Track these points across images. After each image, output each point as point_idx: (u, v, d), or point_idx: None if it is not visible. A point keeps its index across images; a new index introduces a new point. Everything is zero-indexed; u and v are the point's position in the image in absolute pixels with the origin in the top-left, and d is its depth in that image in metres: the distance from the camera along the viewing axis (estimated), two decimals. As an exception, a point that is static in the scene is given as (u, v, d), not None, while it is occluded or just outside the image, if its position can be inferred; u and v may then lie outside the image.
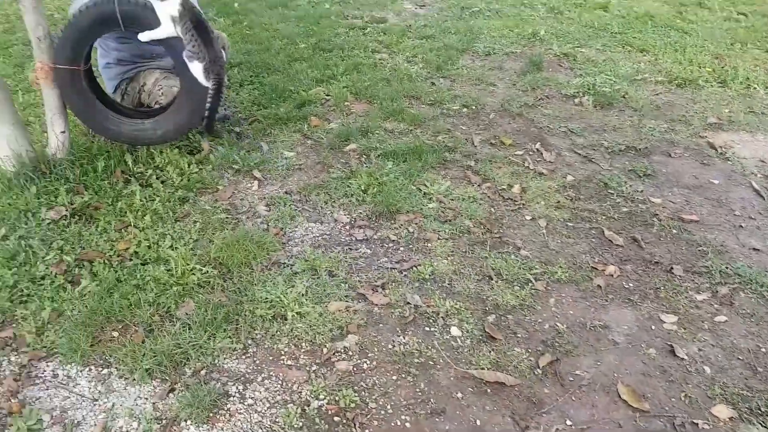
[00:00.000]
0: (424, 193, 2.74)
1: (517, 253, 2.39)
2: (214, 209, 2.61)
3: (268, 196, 2.74)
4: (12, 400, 1.75)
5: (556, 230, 2.56)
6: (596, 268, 2.32)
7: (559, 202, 2.75)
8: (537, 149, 3.20)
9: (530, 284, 2.21)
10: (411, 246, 2.40)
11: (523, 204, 2.72)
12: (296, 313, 2.01)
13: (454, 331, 1.96)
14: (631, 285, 2.25)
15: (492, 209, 2.67)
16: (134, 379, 1.80)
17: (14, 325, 2.01)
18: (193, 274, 2.19)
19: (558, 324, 2.03)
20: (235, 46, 4.75)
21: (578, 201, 2.79)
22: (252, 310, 2.02)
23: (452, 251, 2.36)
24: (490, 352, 1.87)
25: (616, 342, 1.98)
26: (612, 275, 2.28)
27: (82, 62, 2.63)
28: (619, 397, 1.75)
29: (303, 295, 2.08)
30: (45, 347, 1.92)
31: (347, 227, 2.52)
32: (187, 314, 2.02)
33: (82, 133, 3.23)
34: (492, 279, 2.22)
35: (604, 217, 2.65)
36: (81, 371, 1.85)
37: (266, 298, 2.07)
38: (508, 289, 2.18)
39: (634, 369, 1.87)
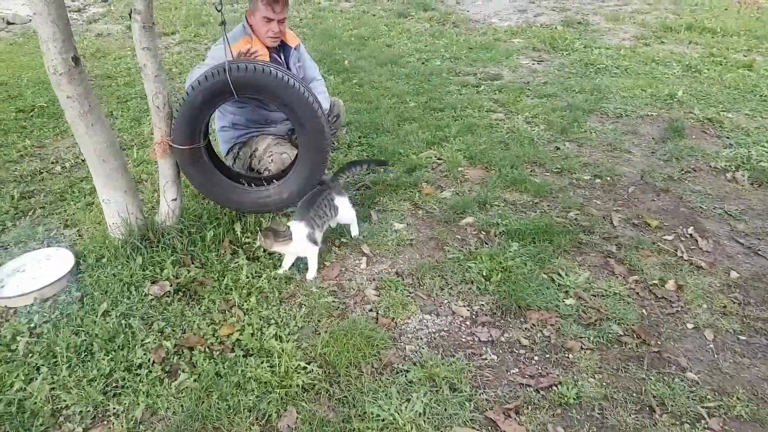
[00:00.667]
0: (559, 285, 2.39)
1: (683, 375, 1.96)
2: (321, 291, 2.43)
3: (377, 277, 2.53)
4: None
5: (726, 345, 2.10)
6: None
7: (725, 306, 2.29)
8: (690, 235, 2.75)
9: (702, 421, 1.78)
10: (548, 355, 2.05)
11: (682, 306, 2.29)
12: (410, 437, 1.73)
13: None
14: None
15: (644, 311, 2.26)
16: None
17: (105, 421, 1.90)
18: (298, 373, 1.98)
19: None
20: (345, 105, 4.75)
21: (748, 306, 2.30)
22: (362, 430, 1.77)
23: (600, 366, 1.98)
24: None
25: None
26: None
27: (200, 138, 2.61)
28: None
29: (421, 414, 1.79)
30: (135, 455, 1.78)
31: (468, 323, 2.23)
32: (289, 427, 1.80)
33: (194, 196, 3.26)
34: (654, 412, 1.80)
35: (785, 331, 2.16)
36: (172, 487, 1.68)
37: (378, 416, 1.80)
38: (676, 426, 1.76)
39: None
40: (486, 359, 2.04)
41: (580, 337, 2.11)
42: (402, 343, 2.14)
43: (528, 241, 2.67)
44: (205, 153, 2.68)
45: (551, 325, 2.18)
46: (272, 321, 2.28)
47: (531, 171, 3.40)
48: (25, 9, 7.48)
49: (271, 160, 3.03)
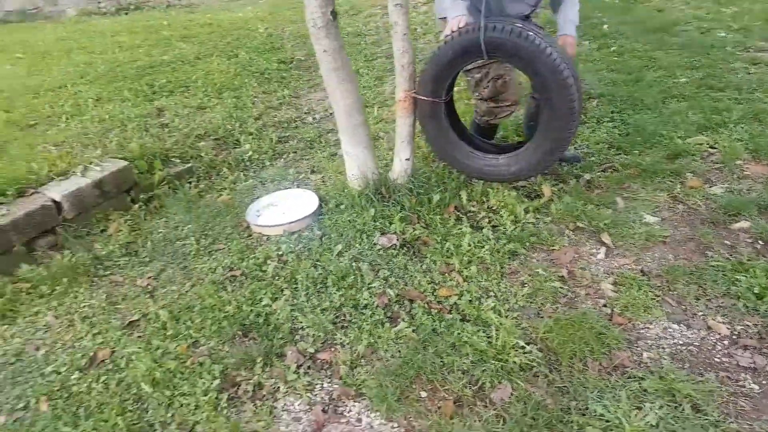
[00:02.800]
0: None
1: None
2: (548, 274, 2.45)
3: (617, 271, 2.44)
4: (317, 433, 1.91)
5: None
6: None
7: None
8: None
9: None
10: (831, 400, 1.78)
11: None
12: (640, 448, 1.67)
13: None
14: None
15: None
16: (436, 458, 1.76)
17: (333, 349, 2.22)
18: (515, 351, 2.05)
19: None
20: (597, 74, 4.56)
21: None
22: (581, 424, 1.77)
23: None
24: None
25: None
26: None
27: (443, 94, 2.79)
28: None
29: (653, 427, 1.72)
30: (355, 385, 2.05)
31: (725, 342, 2.03)
32: (502, 400, 1.89)
33: (424, 157, 3.50)
34: None
35: None
36: (384, 425, 1.90)
37: (602, 416, 1.78)
38: None
39: None
40: (744, 387, 1.85)
41: None
42: (639, 348, 2.05)
43: (825, 260, 2.29)
44: (445, 110, 2.84)
45: (843, 366, 1.87)
46: (491, 293, 2.38)
47: (844, 175, 2.88)
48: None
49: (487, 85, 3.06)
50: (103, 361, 2.31)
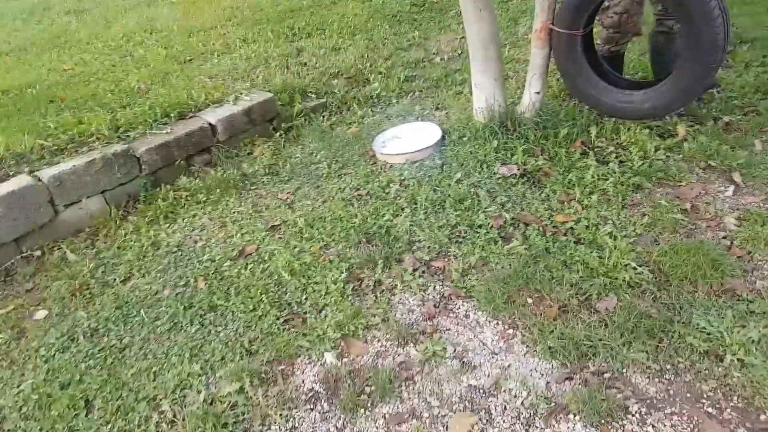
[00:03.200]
0: None
1: None
2: (670, 206, 2.51)
3: (743, 207, 2.45)
4: (428, 322, 2.19)
5: None
6: None
7: None
8: None
9: None
10: None
11: None
12: (738, 359, 1.77)
13: None
14: None
15: None
16: (536, 351, 1.97)
17: (446, 259, 2.47)
18: (626, 270, 2.18)
19: None
20: (753, 18, 4.32)
21: None
22: (683, 334, 1.89)
23: None
24: None
25: None
26: None
27: (581, 27, 2.86)
28: None
29: (754, 342, 1.80)
30: (465, 288, 2.30)
31: None
32: (607, 309, 2.04)
33: (554, 95, 3.59)
34: None
35: None
36: (489, 322, 2.14)
37: (704, 328, 1.89)
38: None
39: None
40: None
41: None
42: (753, 278, 2.10)
43: None
44: (581, 44, 2.91)
45: None
46: (609, 221, 2.49)
47: None
48: None
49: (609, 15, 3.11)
50: (250, 254, 2.76)
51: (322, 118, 4.04)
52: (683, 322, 1.93)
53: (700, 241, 2.25)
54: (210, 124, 3.60)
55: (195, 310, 2.45)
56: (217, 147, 3.63)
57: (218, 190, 3.30)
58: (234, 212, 3.13)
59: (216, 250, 2.84)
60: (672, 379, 1.79)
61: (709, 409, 1.68)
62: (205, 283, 2.61)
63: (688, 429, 1.64)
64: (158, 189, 3.38)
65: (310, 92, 4.30)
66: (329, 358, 2.12)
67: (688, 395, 1.73)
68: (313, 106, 4.12)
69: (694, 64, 2.57)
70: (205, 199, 3.29)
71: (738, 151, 2.80)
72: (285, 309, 2.37)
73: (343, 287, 2.40)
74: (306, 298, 2.40)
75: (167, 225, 3.13)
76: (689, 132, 2.99)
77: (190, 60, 4.96)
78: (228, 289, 2.54)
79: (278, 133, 3.84)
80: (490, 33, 3.10)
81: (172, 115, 3.66)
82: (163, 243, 2.96)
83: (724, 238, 2.30)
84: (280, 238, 2.83)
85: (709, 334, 1.87)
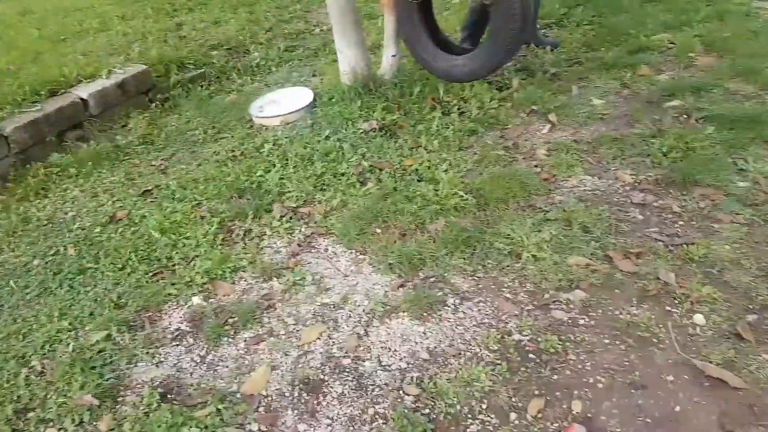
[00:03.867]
0: (740, 169, 2.48)
1: None
2: (495, 145, 2.95)
3: (554, 141, 2.92)
4: (292, 259, 2.51)
5: None
6: None
7: None
8: None
9: None
10: (693, 223, 2.27)
11: None
12: (532, 255, 2.21)
13: (698, 318, 1.85)
14: None
15: (828, 201, 2.26)
16: (379, 269, 2.34)
17: (312, 205, 2.80)
18: (454, 197, 2.59)
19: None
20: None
21: None
22: (491, 241, 2.32)
23: (742, 238, 2.14)
24: (729, 350, 1.73)
25: None
26: None
27: None
28: None
29: (546, 241, 2.26)
30: (326, 227, 2.63)
31: (626, 188, 2.52)
32: (437, 230, 2.44)
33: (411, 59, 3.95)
34: (775, 278, 1.96)
35: None
36: (344, 252, 2.49)
37: (508, 235, 2.32)
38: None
39: None
40: (630, 216, 2.36)
41: (737, 213, 2.26)
42: (554, 195, 2.57)
43: (727, 127, 2.72)
44: (419, 12, 3.28)
45: (711, 200, 2.35)
46: (447, 161, 2.90)
47: (774, 63, 3.24)
48: None
49: None
50: (120, 219, 2.91)
51: (200, 87, 4.22)
52: (493, 232, 2.36)
53: (515, 170, 2.70)
54: (81, 98, 3.70)
55: (64, 275, 2.57)
56: (89, 121, 3.73)
57: (90, 163, 3.40)
58: (106, 182, 3.26)
59: (87, 219, 2.95)
60: (482, 276, 2.21)
61: (508, 295, 2.11)
62: (75, 250, 2.72)
63: (491, 311, 2.06)
64: (28, 167, 3.44)
65: (189, 64, 4.44)
66: (196, 300, 2.36)
67: (493, 287, 2.15)
68: (191, 77, 4.29)
69: (497, 33, 3.00)
70: (76, 173, 3.37)
71: (559, 96, 3.28)
72: (154, 264, 2.56)
73: (213, 239, 2.63)
74: (176, 253, 2.59)
75: (38, 201, 3.20)
76: (522, 84, 3.45)
77: (64, 39, 4.95)
78: (98, 252, 2.67)
79: (154, 104, 3.99)
80: (347, 2, 3.41)
81: (42, 93, 3.71)
82: (33, 218, 3.04)
83: (536, 166, 2.77)
84: (152, 201, 3.01)
85: (512, 239, 2.31)
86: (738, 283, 1.97)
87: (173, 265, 2.55)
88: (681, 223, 2.29)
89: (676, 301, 1.94)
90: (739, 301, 1.91)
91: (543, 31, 4.15)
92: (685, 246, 2.15)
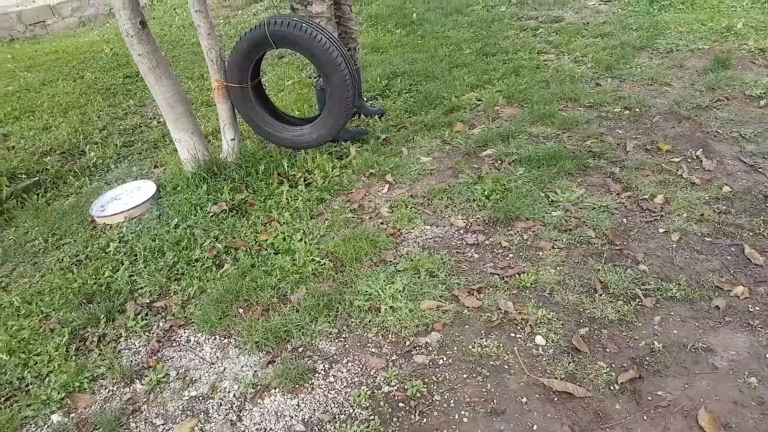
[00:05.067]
0: (551, 201, 2.77)
1: (635, 267, 2.31)
2: (343, 209, 3.02)
3: (393, 199, 3.06)
4: (152, 358, 2.33)
5: (688, 245, 2.41)
6: (721, 288, 2.16)
7: (703, 215, 2.56)
8: (697, 156, 2.97)
9: (637, 300, 2.15)
10: (521, 254, 2.47)
11: (661, 216, 2.58)
12: (389, 306, 2.26)
13: (539, 339, 2.00)
14: (757, 308, 2.06)
15: (624, 221, 2.59)
16: (246, 350, 2.24)
17: (167, 297, 2.64)
18: (312, 264, 2.59)
19: (655, 342, 1.94)
20: (404, 56, 5.25)
21: (726, 215, 2.56)
22: (351, 300, 2.34)
23: (563, 261, 2.38)
24: (569, 363, 1.88)
25: (715, 367, 1.85)
26: (738, 296, 2.10)
27: (248, 80, 3.28)
28: (697, 422, 1.66)
29: (400, 291, 2.33)
30: (185, 317, 2.49)
31: (461, 231, 2.69)
32: (298, 299, 2.41)
33: (252, 137, 3.96)
34: (596, 292, 2.19)
35: (750, 233, 2.43)
36: (208, 339, 2.36)
37: (366, 291, 2.36)
38: (611, 303, 2.14)
39: (726, 396, 1.75)
40: (467, 256, 2.51)
41: (555, 240, 2.50)
42: (402, 247, 2.67)
43: (534, 166, 3.04)
44: (253, 93, 3.33)
45: (532, 231, 2.58)
46: (300, 230, 2.90)
47: (564, 106, 3.71)
48: None
49: None
50: (-40, 347, 2.56)
51: (36, 196, 3.86)
52: (352, 292, 2.39)
53: (364, 229, 2.77)
54: None
55: None
56: None
57: None
58: (-62, 311, 2.85)
59: None
60: (347, 336, 2.21)
61: (373, 350, 2.12)
62: None
63: (359, 369, 2.05)
64: None
65: (20, 174, 4.07)
66: (56, 418, 2.11)
67: (358, 344, 2.16)
68: (25, 187, 3.91)
69: (335, 101, 3.16)
70: None
71: (391, 158, 3.46)
72: (5, 388, 2.27)
73: (66, 350, 2.39)
74: (28, 372, 2.32)
75: None
76: (358, 151, 3.59)
77: None
78: None
79: (-15, 221, 3.58)
80: (174, 95, 3.35)
81: None
82: None
83: (382, 223, 2.86)
84: (-4, 321, 2.68)
85: (369, 294, 2.34)
86: (567, 302, 2.17)
87: (27, 386, 2.27)
88: (511, 255, 2.48)
89: (518, 327, 2.08)
90: (571, 317, 2.10)
91: (369, 102, 4.39)
92: (517, 275, 2.32)
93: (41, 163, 4.25)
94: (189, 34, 7.28)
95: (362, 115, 4.11)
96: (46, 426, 2.08)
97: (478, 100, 4.05)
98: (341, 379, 2.02)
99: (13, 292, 2.87)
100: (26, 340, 2.48)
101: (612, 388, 1.80)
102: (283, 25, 3.02)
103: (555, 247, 2.47)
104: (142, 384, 2.19)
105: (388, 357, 2.07)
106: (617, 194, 2.77)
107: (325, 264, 2.59)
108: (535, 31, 5.17)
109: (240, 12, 8.11)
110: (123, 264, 2.89)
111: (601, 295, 2.18)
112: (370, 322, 2.24)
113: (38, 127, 4.91)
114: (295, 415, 1.90)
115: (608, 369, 1.87)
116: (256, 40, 3.11)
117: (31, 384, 2.27)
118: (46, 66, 6.92)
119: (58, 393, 2.19)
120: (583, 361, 1.90)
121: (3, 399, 2.21)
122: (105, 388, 2.21)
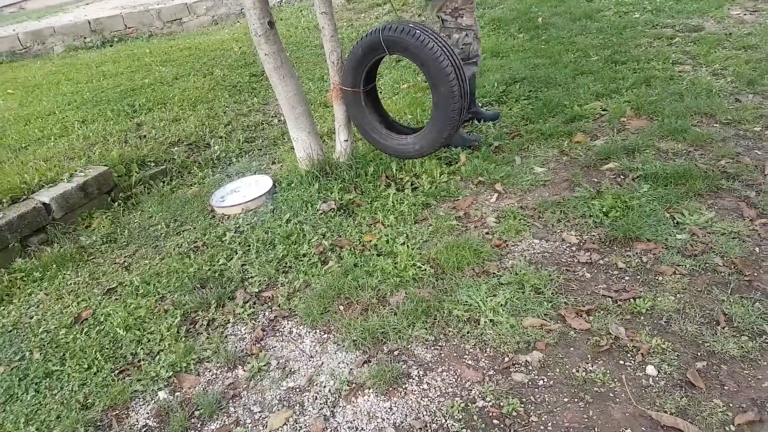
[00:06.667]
0: (677, 223, 2.60)
1: (765, 301, 2.12)
2: (448, 216, 3.03)
3: (501, 208, 3.02)
4: (255, 345, 2.48)
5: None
6: None
7: None
8: None
9: (764, 337, 1.97)
10: (638, 277, 2.35)
11: (805, 248, 2.33)
12: (489, 319, 2.25)
13: (650, 370, 1.89)
14: None
15: (756, 249, 2.37)
16: (344, 347, 2.33)
17: (274, 288, 2.80)
18: (413, 269, 2.63)
19: (786, 388, 1.75)
20: (525, 61, 5.17)
21: None
22: (450, 309, 2.35)
23: (684, 288, 2.22)
24: (682, 398, 1.76)
25: None
26: None
27: (361, 85, 3.39)
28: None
29: (501, 305, 2.30)
30: (290, 309, 2.63)
31: (573, 248, 2.61)
32: (397, 302, 2.46)
33: (364, 141, 4.09)
34: (719, 324, 2.03)
35: None
36: (309, 332, 2.48)
37: (466, 302, 2.36)
38: (734, 338, 1.97)
39: None
40: (578, 275, 2.43)
41: (677, 265, 2.35)
42: (506, 259, 2.63)
43: (661, 184, 2.87)
44: (365, 98, 3.44)
45: (653, 254, 2.44)
46: (404, 234, 2.96)
47: (698, 122, 3.46)
48: None
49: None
50: (86, 319, 2.86)
51: (162, 183, 4.26)
52: (451, 300, 2.39)
53: (468, 238, 2.77)
54: (44, 203, 3.69)
55: (30, 380, 2.50)
56: (53, 225, 3.71)
57: (54, 266, 3.36)
58: (70, 283, 3.21)
59: (52, 321, 2.89)
60: (444, 345, 2.22)
61: (469, 362, 2.12)
62: (41, 353, 2.66)
63: (454, 380, 2.06)
64: (-9, 275, 3.38)
65: (149, 161, 4.50)
66: (162, 395, 2.32)
67: (455, 355, 2.16)
68: (153, 174, 4.33)
69: (440, 112, 3.16)
70: (41, 276, 3.32)
71: (503, 167, 3.42)
72: (120, 361, 2.52)
73: (177, 331, 2.61)
74: (141, 348, 2.56)
75: (2, 308, 3.12)
76: (468, 157, 3.59)
77: (26, 147, 4.98)
78: (63, 354, 2.61)
79: (116, 203, 4.00)
80: (295, 94, 3.55)
81: (4, 201, 3.70)
82: (-3, 326, 2.99)
83: (487, 233, 2.84)
84: (117, 299, 2.98)
85: (470, 305, 2.34)
86: (685, 332, 2.03)
87: (139, 361, 2.50)
88: (627, 277, 2.36)
89: (628, 354, 1.98)
90: (687, 349, 1.97)
91: (485, 108, 4.36)
92: (632, 300, 2.21)
93: (169, 152, 4.67)
94: (313, 36, 7.64)
95: (476, 120, 4.10)
96: (153, 401, 2.28)
97: (603, 110, 3.89)
98: (435, 388, 2.04)
99: (134, 272, 3.19)
100: (142, 318, 2.74)
101: (727, 428, 1.66)
102: (396, 31, 3.09)
103: (677, 272, 2.31)
104: (244, 370, 2.34)
105: (484, 371, 2.06)
106: (751, 220, 2.54)
107: (425, 270, 2.63)
108: (670, 40, 4.87)
109: (362, 15, 8.39)
110: (237, 253, 3.11)
111: (723, 327, 2.02)
112: (468, 333, 2.24)
113: (169, 118, 5.39)
114: (387, 418, 1.95)
115: (725, 408, 1.73)
116: (371, 45, 3.21)
117: (142, 360, 2.50)
118: (179, 61, 7.57)
119: (167, 371, 2.40)
120: (698, 397, 1.77)
121: (117, 372, 2.46)
122: (209, 371, 2.39)
